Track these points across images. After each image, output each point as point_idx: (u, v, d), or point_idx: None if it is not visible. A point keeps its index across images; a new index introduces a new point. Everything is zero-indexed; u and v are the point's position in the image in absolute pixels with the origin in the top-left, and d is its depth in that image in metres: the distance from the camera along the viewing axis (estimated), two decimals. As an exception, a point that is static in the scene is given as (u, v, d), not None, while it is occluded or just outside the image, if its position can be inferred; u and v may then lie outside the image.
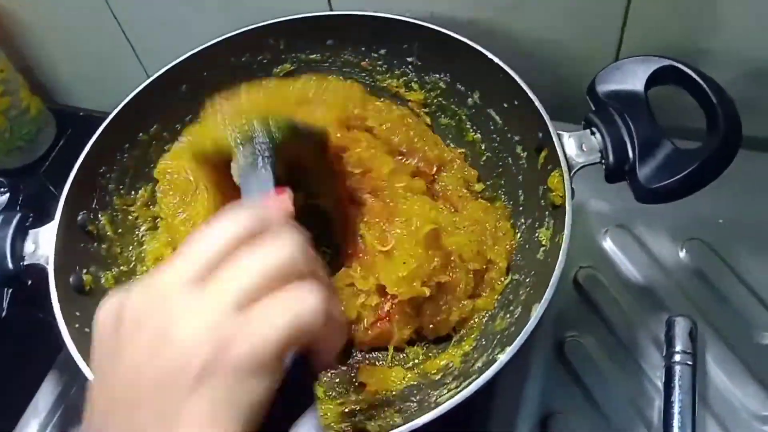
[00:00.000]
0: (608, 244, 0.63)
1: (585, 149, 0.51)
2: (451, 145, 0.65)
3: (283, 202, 0.40)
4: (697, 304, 0.58)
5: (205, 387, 0.28)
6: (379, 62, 0.65)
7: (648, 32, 0.60)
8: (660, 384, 0.54)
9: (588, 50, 0.63)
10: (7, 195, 0.54)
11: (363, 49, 0.65)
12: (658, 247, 0.62)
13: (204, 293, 0.30)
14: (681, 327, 0.55)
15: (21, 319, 0.69)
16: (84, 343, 0.49)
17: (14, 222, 0.53)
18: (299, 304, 0.30)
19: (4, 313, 0.51)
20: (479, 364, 0.50)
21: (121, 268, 0.58)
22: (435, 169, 0.62)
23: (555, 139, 0.51)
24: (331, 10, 0.67)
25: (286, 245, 0.32)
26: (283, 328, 0.29)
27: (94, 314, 0.33)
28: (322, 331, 0.31)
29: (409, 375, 0.55)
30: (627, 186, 0.50)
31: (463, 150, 0.64)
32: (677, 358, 0.54)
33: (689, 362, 0.53)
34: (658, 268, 0.61)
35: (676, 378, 0.53)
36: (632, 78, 0.51)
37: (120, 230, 0.60)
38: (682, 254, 0.61)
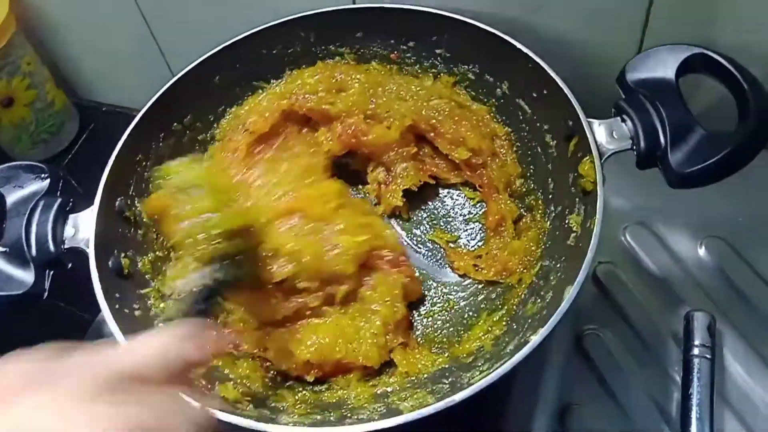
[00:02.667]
0: (627, 241, 0.64)
1: (615, 136, 0.52)
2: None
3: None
4: (716, 301, 0.59)
5: None
6: (408, 54, 0.66)
7: (669, 33, 0.60)
8: (678, 377, 0.55)
9: (610, 50, 0.63)
10: (48, 181, 0.55)
11: (392, 41, 0.66)
12: (678, 244, 0.62)
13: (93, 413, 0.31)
14: (700, 321, 0.55)
15: (42, 307, 0.71)
16: (123, 323, 0.50)
17: (55, 206, 0.54)
18: None
19: (45, 294, 0.52)
20: (511, 347, 0.50)
21: (157, 253, 0.59)
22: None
23: (586, 126, 0.52)
24: (354, 3, 0.68)
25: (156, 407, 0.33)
26: None
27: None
28: None
29: (440, 359, 0.56)
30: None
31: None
32: (696, 351, 0.54)
33: (708, 356, 0.54)
34: (677, 264, 0.61)
35: (695, 371, 0.53)
36: (662, 66, 0.52)
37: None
38: (701, 251, 0.62)
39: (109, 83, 0.95)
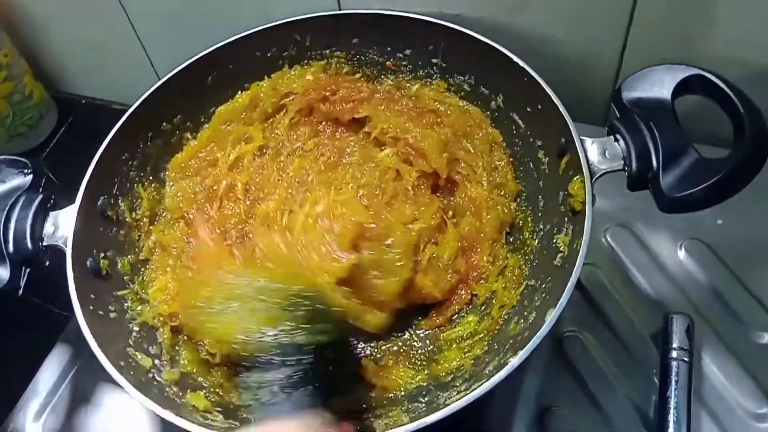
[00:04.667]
0: (608, 242, 0.64)
1: (608, 156, 0.50)
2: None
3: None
4: (695, 303, 0.59)
5: None
6: (404, 62, 0.65)
7: (652, 36, 0.61)
8: (657, 380, 0.55)
9: (592, 51, 0.64)
10: (31, 176, 0.55)
11: (388, 48, 0.65)
12: (658, 246, 0.63)
13: None
14: (678, 324, 0.56)
15: (19, 304, 0.70)
16: (96, 326, 0.49)
17: (36, 203, 0.54)
18: None
19: (20, 291, 0.52)
20: (490, 367, 0.49)
21: (139, 255, 0.59)
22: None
23: (578, 144, 0.51)
24: (340, 9, 0.67)
25: None
26: None
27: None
28: None
29: (419, 376, 0.54)
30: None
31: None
32: (674, 354, 0.54)
33: (686, 359, 0.54)
34: (657, 266, 0.62)
35: (673, 374, 0.54)
36: (659, 86, 0.51)
37: (138, 217, 0.60)
38: (681, 253, 0.62)
39: (89, 76, 0.94)
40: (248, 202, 0.62)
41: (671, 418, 0.52)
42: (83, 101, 0.95)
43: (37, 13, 0.85)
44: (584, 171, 0.50)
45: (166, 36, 0.80)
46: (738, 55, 0.59)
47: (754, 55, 0.59)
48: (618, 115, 0.52)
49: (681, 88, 0.50)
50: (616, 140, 0.51)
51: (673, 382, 0.53)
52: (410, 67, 0.65)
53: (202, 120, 0.65)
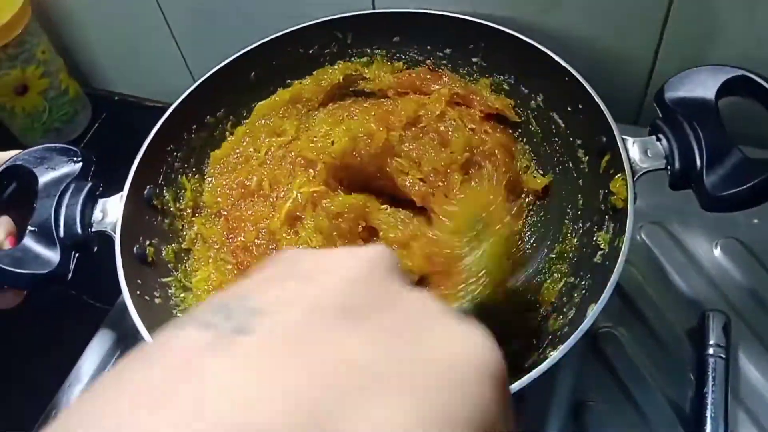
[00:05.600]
0: (643, 240, 0.64)
1: (650, 155, 0.51)
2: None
3: None
4: (731, 302, 0.59)
5: None
6: (444, 61, 0.66)
7: (687, 36, 0.61)
8: (693, 377, 0.55)
9: (625, 51, 0.64)
10: (80, 164, 0.56)
11: (428, 47, 0.66)
12: (693, 245, 0.63)
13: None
14: (715, 321, 0.56)
15: (57, 296, 0.71)
16: (142, 310, 0.50)
17: (85, 190, 0.55)
18: None
19: (70, 275, 0.53)
20: (529, 362, 0.50)
21: (182, 245, 0.60)
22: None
23: (620, 143, 0.51)
24: (374, 8, 0.68)
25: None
26: None
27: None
28: None
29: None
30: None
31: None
32: (711, 351, 0.54)
33: (722, 356, 0.54)
34: (692, 265, 0.62)
35: (710, 370, 0.54)
36: (702, 87, 0.51)
37: (182, 207, 0.62)
38: (717, 252, 0.62)
39: (122, 74, 0.96)
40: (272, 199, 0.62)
41: (709, 414, 0.52)
42: (116, 98, 0.97)
43: (73, 10, 0.87)
44: (626, 170, 0.50)
45: (200, 34, 0.81)
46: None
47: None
48: (660, 115, 0.52)
49: (724, 90, 0.51)
50: (659, 140, 0.51)
51: (710, 379, 0.53)
52: (450, 65, 0.66)
53: (245, 115, 0.66)
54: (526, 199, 0.62)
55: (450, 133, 0.61)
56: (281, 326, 0.21)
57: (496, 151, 0.61)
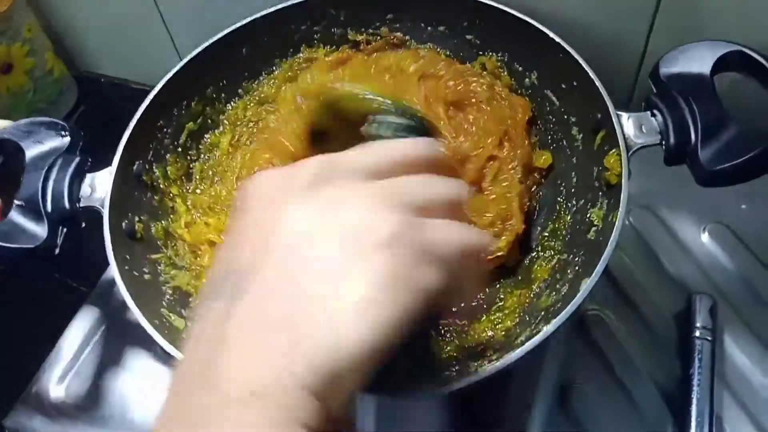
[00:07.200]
0: (631, 224, 0.64)
1: (644, 130, 0.50)
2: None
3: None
4: (718, 286, 0.60)
5: (388, 253, 0.28)
6: (438, 38, 0.65)
7: (680, 15, 0.60)
8: (679, 359, 0.56)
9: (618, 31, 0.63)
10: (68, 138, 0.55)
11: (422, 25, 0.65)
12: (681, 229, 0.63)
13: (382, 185, 0.30)
14: (702, 304, 0.57)
15: (37, 276, 0.71)
16: (131, 285, 0.49)
17: (73, 164, 0.54)
18: (469, 232, 0.31)
19: (58, 250, 0.52)
20: (522, 338, 0.49)
21: (171, 220, 0.59)
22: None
23: (614, 119, 0.51)
24: None
25: (459, 185, 0.33)
26: (460, 241, 0.30)
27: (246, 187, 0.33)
28: (469, 273, 0.32)
29: (449, 347, 0.55)
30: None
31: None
32: (697, 333, 0.55)
33: (709, 338, 0.55)
34: (680, 248, 0.62)
35: (696, 352, 0.54)
36: (698, 62, 0.51)
37: (172, 184, 0.61)
38: (705, 237, 0.63)
39: (109, 55, 0.94)
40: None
41: (694, 396, 0.52)
42: (102, 79, 0.95)
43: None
44: (621, 145, 0.50)
45: (189, 15, 0.80)
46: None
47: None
48: (655, 91, 0.52)
49: (720, 65, 0.50)
50: (653, 115, 0.51)
51: (696, 360, 0.54)
52: (444, 43, 0.65)
53: (237, 90, 0.65)
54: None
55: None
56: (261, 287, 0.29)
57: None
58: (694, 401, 0.52)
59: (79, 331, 0.67)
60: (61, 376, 0.64)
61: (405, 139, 0.38)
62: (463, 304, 0.34)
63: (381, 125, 0.42)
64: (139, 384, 0.63)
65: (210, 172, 0.63)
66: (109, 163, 0.55)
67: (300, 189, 0.30)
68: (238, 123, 0.65)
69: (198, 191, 0.62)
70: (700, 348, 0.54)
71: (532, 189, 0.60)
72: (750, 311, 0.58)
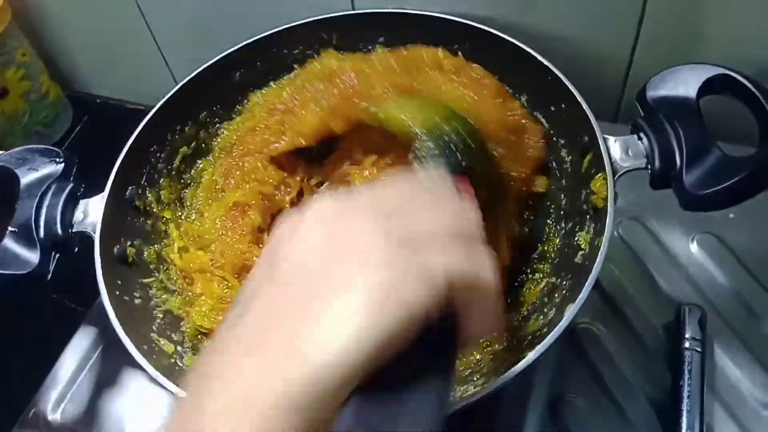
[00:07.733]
0: (620, 235, 0.64)
1: (631, 154, 0.50)
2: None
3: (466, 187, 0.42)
4: (707, 297, 0.59)
5: (381, 272, 0.29)
6: (428, 62, 0.65)
7: (663, 34, 0.61)
8: (669, 370, 0.55)
9: (602, 49, 0.64)
10: (62, 165, 0.56)
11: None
12: (670, 240, 0.63)
13: (389, 219, 0.31)
14: (691, 315, 0.56)
15: (37, 299, 0.71)
16: (121, 310, 0.50)
17: (66, 190, 0.55)
18: (469, 262, 0.31)
19: (50, 276, 0.53)
20: (507, 364, 0.49)
21: (164, 245, 0.60)
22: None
23: (601, 142, 0.51)
24: (354, 9, 0.68)
25: (473, 214, 0.34)
26: (459, 267, 0.30)
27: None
28: (482, 303, 0.32)
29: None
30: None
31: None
32: (687, 344, 0.55)
33: (698, 349, 0.55)
34: (669, 259, 0.62)
35: (686, 364, 0.54)
36: (684, 85, 0.51)
37: (165, 209, 0.62)
38: (693, 247, 0.62)
39: (104, 76, 0.95)
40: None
41: (684, 407, 0.52)
42: (98, 101, 0.97)
43: (53, 13, 0.87)
44: (607, 169, 0.50)
45: (181, 37, 0.81)
46: (747, 53, 0.59)
47: (763, 52, 0.59)
48: (642, 114, 0.52)
49: (706, 88, 0.50)
50: (640, 138, 0.51)
51: (686, 372, 0.54)
52: (434, 66, 0.65)
53: (231, 115, 0.66)
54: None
55: None
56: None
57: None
58: (684, 412, 0.52)
59: (77, 352, 0.67)
60: (58, 399, 0.65)
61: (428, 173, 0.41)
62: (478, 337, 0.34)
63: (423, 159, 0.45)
64: (136, 405, 0.64)
65: (199, 201, 0.63)
66: (103, 186, 0.56)
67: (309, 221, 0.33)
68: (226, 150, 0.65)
69: (190, 219, 0.63)
70: (690, 359, 0.54)
71: (524, 214, 0.60)
72: (739, 321, 0.58)
